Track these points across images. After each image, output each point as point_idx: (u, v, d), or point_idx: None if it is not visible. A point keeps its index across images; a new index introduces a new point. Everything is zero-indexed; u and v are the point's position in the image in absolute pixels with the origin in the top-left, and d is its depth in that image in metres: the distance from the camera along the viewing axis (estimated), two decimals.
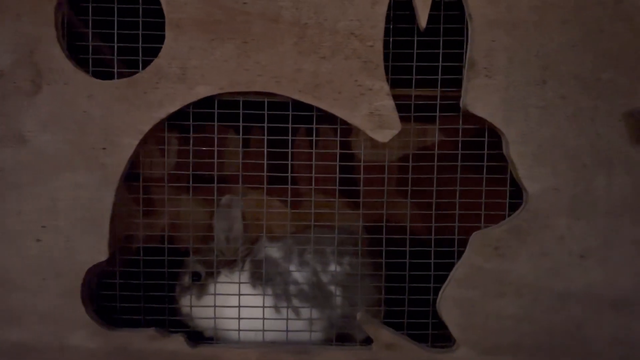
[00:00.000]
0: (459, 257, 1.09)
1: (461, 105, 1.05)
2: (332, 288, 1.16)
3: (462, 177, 1.11)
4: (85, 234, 1.05)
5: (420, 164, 1.12)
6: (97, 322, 1.07)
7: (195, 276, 1.18)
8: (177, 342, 1.08)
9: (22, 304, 1.06)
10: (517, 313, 1.08)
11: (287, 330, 1.12)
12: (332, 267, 1.16)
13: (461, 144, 1.10)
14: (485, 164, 1.10)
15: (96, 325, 1.07)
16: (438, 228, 1.13)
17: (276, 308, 1.13)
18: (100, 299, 1.11)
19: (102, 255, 1.06)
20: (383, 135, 1.05)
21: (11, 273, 1.06)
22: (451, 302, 1.08)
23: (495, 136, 1.08)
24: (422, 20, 1.04)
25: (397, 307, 1.13)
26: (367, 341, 1.11)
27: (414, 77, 1.08)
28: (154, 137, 1.08)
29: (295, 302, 1.14)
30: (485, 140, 1.09)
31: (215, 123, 1.09)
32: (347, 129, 1.21)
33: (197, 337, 1.13)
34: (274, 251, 1.17)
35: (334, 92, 1.05)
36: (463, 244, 1.09)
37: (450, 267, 1.09)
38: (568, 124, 1.05)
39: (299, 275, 1.15)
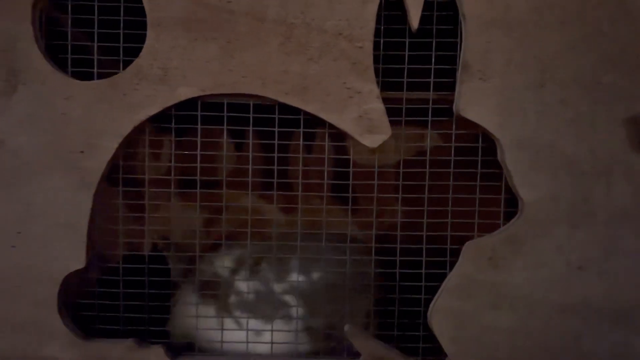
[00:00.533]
0: (452, 267, 1.04)
1: (454, 109, 1.01)
2: (290, 298, 1.11)
3: (457, 184, 1.07)
4: (62, 241, 1.01)
5: (415, 170, 1.08)
6: (74, 332, 1.03)
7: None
8: (156, 354, 1.04)
9: None
10: (512, 326, 1.03)
11: (222, 341, 1.08)
12: (294, 277, 1.11)
13: (459, 150, 1.06)
14: (479, 170, 1.05)
15: (72, 336, 1.03)
16: (433, 237, 1.08)
17: (217, 318, 1.10)
18: (80, 308, 1.07)
19: (80, 262, 1.01)
20: (372, 140, 1.01)
21: None
22: (443, 314, 1.03)
23: (492, 141, 1.03)
24: (414, 20, 1.00)
25: (387, 319, 1.09)
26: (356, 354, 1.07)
27: (405, 79, 1.03)
28: (148, 140, 1.05)
29: (240, 312, 1.10)
30: (479, 146, 1.05)
31: (199, 126, 1.04)
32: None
33: (179, 347, 1.08)
34: (221, 262, 1.12)
35: (322, 95, 1.00)
36: (457, 253, 1.05)
37: (442, 277, 1.05)
38: (567, 129, 1.00)
39: (246, 285, 1.11)
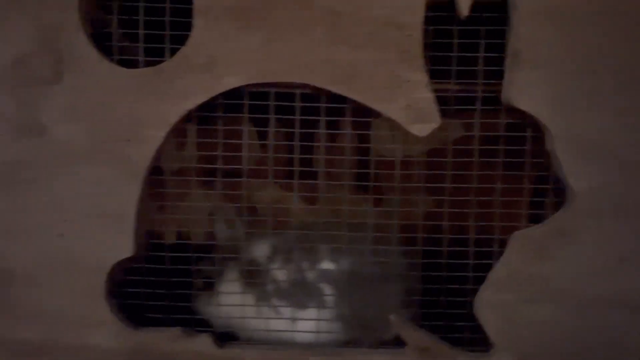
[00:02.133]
0: (497, 257, 1.03)
1: (503, 99, 1.00)
2: (323, 286, 1.11)
3: (503, 174, 1.06)
4: (110, 230, 1.01)
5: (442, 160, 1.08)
6: (121, 320, 1.03)
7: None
8: (203, 343, 1.04)
9: (43, 301, 1.02)
10: (557, 319, 1.02)
11: (265, 329, 1.08)
12: (324, 265, 1.11)
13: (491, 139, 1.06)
14: (527, 160, 1.05)
15: (119, 324, 1.03)
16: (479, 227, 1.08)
17: (259, 306, 1.10)
18: (125, 296, 1.07)
19: (127, 251, 1.02)
20: (420, 129, 1.00)
21: (32, 269, 1.02)
22: (489, 305, 1.03)
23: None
24: (463, 7, 0.98)
25: (432, 310, 1.09)
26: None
27: (453, 68, 1.02)
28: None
29: (279, 301, 1.10)
30: (527, 136, 1.05)
31: (246, 115, 1.04)
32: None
33: (225, 337, 1.08)
34: (259, 249, 1.12)
35: (369, 84, 0.99)
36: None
37: (487, 268, 1.04)
38: (617, 119, 0.99)
39: (282, 273, 1.11)
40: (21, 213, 1.01)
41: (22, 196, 1.01)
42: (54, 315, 1.03)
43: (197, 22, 0.98)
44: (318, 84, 0.99)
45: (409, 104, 0.99)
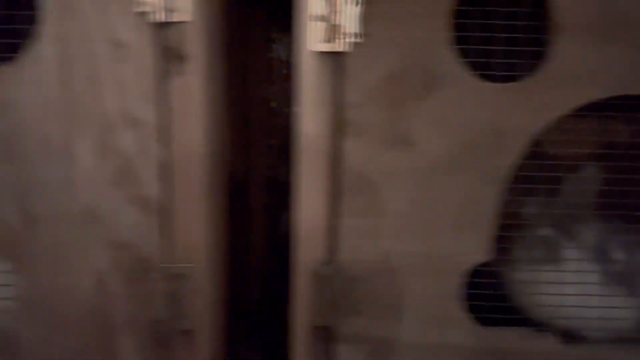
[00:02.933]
0: None
1: None
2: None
3: None
4: (468, 234, 1.07)
5: None
6: (472, 321, 1.10)
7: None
8: (548, 341, 1.10)
9: (404, 301, 1.09)
10: None
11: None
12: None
13: None
14: None
15: (471, 324, 1.09)
16: None
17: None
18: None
19: (483, 256, 1.08)
20: None
21: (396, 269, 1.09)
22: None
23: None
24: None
25: None
26: None
27: None
28: None
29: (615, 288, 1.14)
30: None
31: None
32: None
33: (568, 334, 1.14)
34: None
35: None
36: None
37: None
38: None
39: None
40: (377, 218, 1.08)
41: (381, 203, 1.07)
42: (414, 315, 1.09)
43: (558, 38, 1.03)
44: None
45: None
